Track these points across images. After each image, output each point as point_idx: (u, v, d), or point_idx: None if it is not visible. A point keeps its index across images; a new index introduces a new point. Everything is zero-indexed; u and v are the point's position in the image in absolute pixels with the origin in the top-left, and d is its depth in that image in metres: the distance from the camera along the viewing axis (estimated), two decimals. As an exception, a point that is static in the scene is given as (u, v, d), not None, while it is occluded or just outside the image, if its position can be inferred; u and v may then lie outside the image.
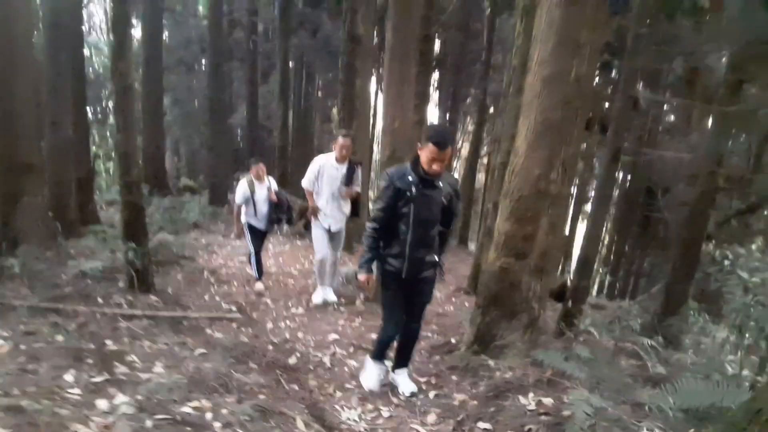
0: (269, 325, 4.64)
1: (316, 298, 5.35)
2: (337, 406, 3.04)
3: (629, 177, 15.63)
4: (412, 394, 3.14)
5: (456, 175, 19.29)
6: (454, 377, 3.30)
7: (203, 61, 19.21)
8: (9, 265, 4.62)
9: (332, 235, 5.24)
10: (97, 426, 2.04)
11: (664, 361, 4.28)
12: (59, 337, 3.11)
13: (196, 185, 17.50)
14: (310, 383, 3.43)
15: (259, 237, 5.80)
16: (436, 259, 3.00)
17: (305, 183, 5.13)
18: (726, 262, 3.72)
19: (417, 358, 3.76)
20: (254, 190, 5.58)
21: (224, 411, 2.37)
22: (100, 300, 3.92)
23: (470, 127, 21.53)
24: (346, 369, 3.74)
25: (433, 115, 21.44)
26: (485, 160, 17.84)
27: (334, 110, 24.38)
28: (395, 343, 3.29)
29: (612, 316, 7.34)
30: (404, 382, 3.22)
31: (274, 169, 18.96)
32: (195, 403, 2.38)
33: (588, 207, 16.66)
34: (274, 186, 5.84)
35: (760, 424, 1.88)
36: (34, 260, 4.85)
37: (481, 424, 2.63)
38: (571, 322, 4.11)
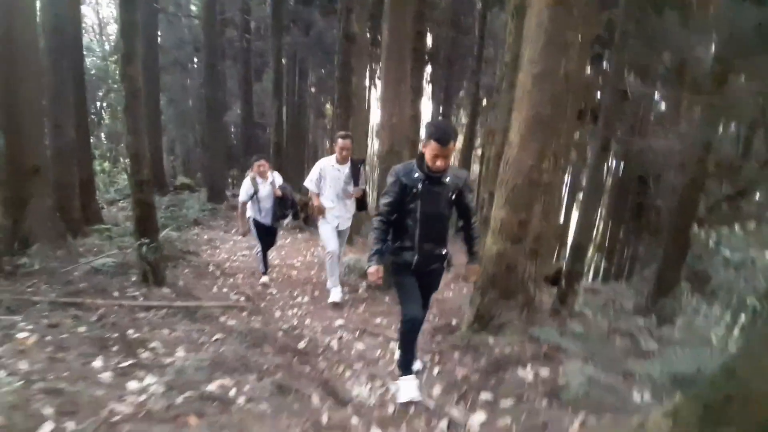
0: (277, 314, 4.83)
1: (335, 296, 5.19)
2: (347, 384, 3.24)
3: (622, 165, 15.88)
4: (417, 372, 3.25)
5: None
6: (456, 354, 3.50)
7: (195, 59, 19.33)
8: (23, 263, 4.80)
9: (338, 233, 5.26)
10: (131, 404, 2.23)
11: (657, 339, 4.51)
12: (82, 329, 3.28)
13: (193, 183, 17.62)
14: (320, 365, 3.63)
15: (264, 232, 5.85)
16: (444, 252, 3.03)
17: (309, 184, 5.16)
18: (711, 243, 3.93)
19: (420, 338, 3.95)
20: (257, 186, 5.64)
21: (246, 388, 2.57)
22: (115, 294, 4.10)
23: (464, 120, 21.75)
24: (353, 351, 3.93)
25: (426, 108, 21.65)
26: (479, 152, 18.03)
27: (328, 106, 24.56)
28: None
29: (606, 299, 7.59)
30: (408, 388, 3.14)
31: (269, 165, 19.20)
32: (219, 382, 2.58)
33: (582, 195, 16.86)
34: (279, 181, 5.86)
35: (735, 380, 2.09)
36: (46, 258, 5.02)
37: (483, 395, 2.84)
38: (565, 302, 4.31)
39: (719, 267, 3.74)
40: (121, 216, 9.17)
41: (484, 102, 17.22)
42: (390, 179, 2.89)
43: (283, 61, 17.13)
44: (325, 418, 2.58)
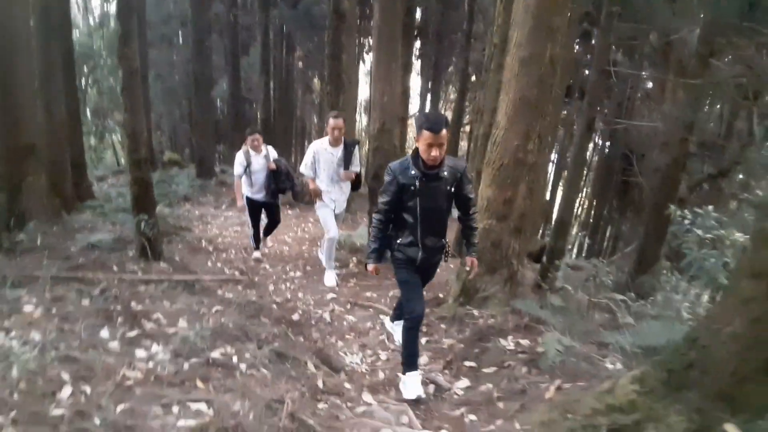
0: (271, 287, 5.00)
1: (329, 281, 5.21)
2: (340, 353, 3.44)
3: (608, 143, 16.12)
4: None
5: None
6: (443, 326, 3.71)
7: (179, 33, 19.07)
8: (20, 240, 4.90)
9: (335, 216, 5.23)
10: (141, 370, 2.39)
11: (634, 314, 4.75)
12: (85, 302, 3.41)
13: (180, 159, 17.57)
14: (313, 335, 3.82)
15: (257, 209, 5.86)
16: (444, 242, 3.01)
17: (304, 170, 5.10)
18: (686, 222, 4.14)
19: None
20: (250, 160, 5.61)
21: (247, 355, 2.75)
22: (115, 268, 4.22)
23: (452, 96, 21.78)
24: (345, 323, 4.13)
25: (415, 83, 21.62)
26: (468, 129, 18.12)
27: (316, 80, 24.40)
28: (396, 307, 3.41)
29: (587, 275, 7.84)
30: (400, 332, 3.24)
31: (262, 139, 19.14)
32: (221, 350, 2.75)
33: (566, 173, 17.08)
34: (273, 154, 5.80)
35: (697, 348, 2.30)
36: (43, 235, 5.12)
37: (467, 363, 3.05)
38: (546, 278, 4.52)
39: (692, 245, 3.94)
40: (114, 192, 9.20)
41: (473, 78, 17.24)
42: (387, 178, 2.85)
43: (271, 35, 16.99)
44: (320, 383, 2.77)
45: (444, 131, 2.66)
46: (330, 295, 4.80)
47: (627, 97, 13.80)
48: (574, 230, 19.42)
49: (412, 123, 21.34)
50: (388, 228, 2.98)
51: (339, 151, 5.00)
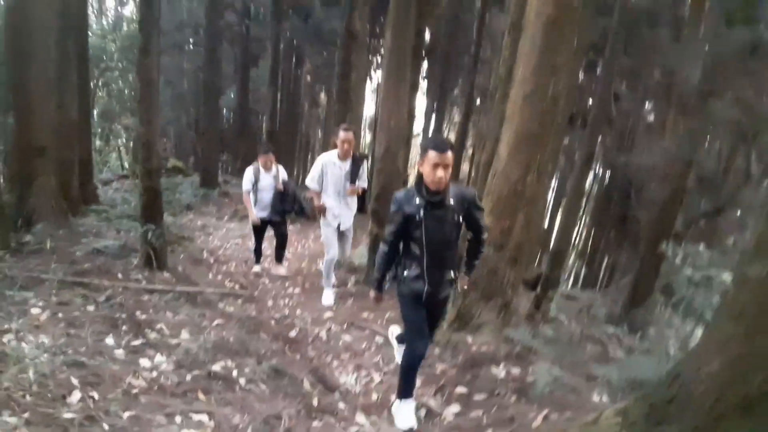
0: (270, 303, 5.09)
1: (327, 299, 5.22)
2: (335, 372, 3.53)
3: (608, 173, 16.29)
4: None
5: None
6: (436, 350, 3.78)
7: (191, 40, 19.37)
8: (27, 241, 5.00)
9: (341, 234, 5.19)
10: (146, 379, 2.49)
11: (625, 347, 4.84)
12: (91, 308, 3.51)
13: (184, 166, 17.71)
14: (309, 353, 3.91)
15: (262, 225, 5.92)
16: (453, 276, 2.91)
17: (310, 183, 5.06)
18: (677, 260, 4.26)
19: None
20: (259, 177, 5.70)
21: (246, 370, 2.84)
22: (119, 275, 4.31)
23: (456, 118, 22.04)
24: (341, 342, 4.21)
25: (421, 103, 21.85)
26: (470, 152, 18.29)
27: (322, 95, 24.69)
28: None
29: (582, 306, 7.94)
30: (401, 353, 3.11)
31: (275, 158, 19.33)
32: (222, 363, 2.85)
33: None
34: (283, 175, 5.86)
35: (678, 384, 2.40)
36: (49, 237, 5.22)
37: (459, 389, 3.13)
38: (539, 307, 4.62)
39: (683, 283, 4.06)
40: (119, 197, 9.31)
41: (478, 101, 17.48)
42: (392, 207, 2.79)
43: (281, 47, 17.26)
44: (315, 402, 2.86)
45: (449, 153, 2.61)
46: (327, 314, 4.88)
47: (629, 129, 14.00)
48: (571, 259, 19.54)
49: (414, 143, 21.60)
50: (393, 258, 2.92)
51: (347, 165, 4.96)
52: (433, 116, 18.93)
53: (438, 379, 3.32)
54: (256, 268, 6.20)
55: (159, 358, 2.74)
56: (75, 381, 2.23)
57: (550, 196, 16.04)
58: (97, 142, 18.22)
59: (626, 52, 11.86)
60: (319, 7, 15.06)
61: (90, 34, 19.13)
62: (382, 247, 2.90)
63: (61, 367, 2.34)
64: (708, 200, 11.06)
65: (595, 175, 18.92)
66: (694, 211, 11.66)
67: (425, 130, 19.75)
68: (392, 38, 5.24)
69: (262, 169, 5.74)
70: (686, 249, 4.40)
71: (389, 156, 5.48)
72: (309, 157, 25.98)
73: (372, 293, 3.07)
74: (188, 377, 2.57)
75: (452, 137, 21.19)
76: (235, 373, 2.76)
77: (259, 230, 6.04)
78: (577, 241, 20.92)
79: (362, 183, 5.11)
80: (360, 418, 2.86)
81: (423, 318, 2.90)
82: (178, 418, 2.14)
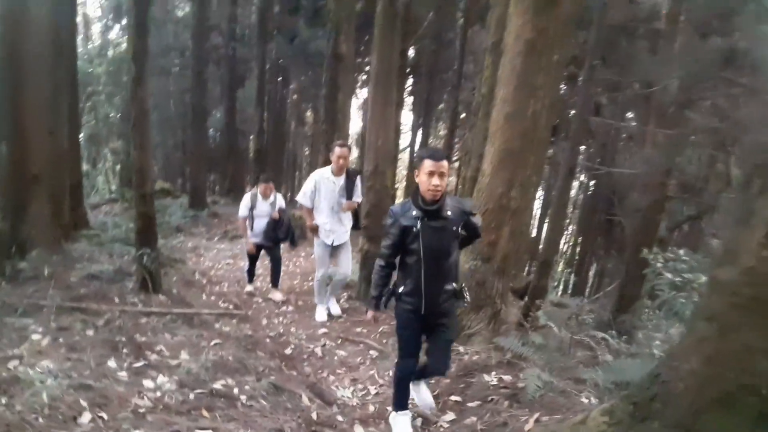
0: (264, 321, 5.18)
1: (319, 316, 5.29)
2: (332, 386, 3.62)
3: (592, 182, 16.61)
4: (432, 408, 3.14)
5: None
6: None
7: (176, 61, 19.54)
8: (22, 268, 5.05)
9: (337, 250, 5.14)
10: (151, 399, 2.57)
11: (614, 352, 4.98)
12: (90, 332, 3.57)
13: (172, 188, 17.74)
14: (306, 369, 4.00)
15: (256, 248, 5.99)
16: (455, 286, 2.85)
17: (302, 199, 5.04)
18: (659, 265, 4.42)
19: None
20: (256, 204, 5.79)
21: (246, 387, 2.93)
22: (116, 299, 4.38)
23: (442, 132, 22.37)
24: (335, 358, 4.31)
25: (407, 119, 22.17)
26: (456, 164, 18.52)
27: (308, 113, 24.93)
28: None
29: (571, 313, 8.08)
30: (422, 392, 3.17)
31: (250, 173, 19.48)
32: (222, 381, 2.94)
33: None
34: (281, 203, 5.92)
35: (659, 383, 2.54)
36: (44, 264, 5.27)
37: (453, 397, 3.25)
38: (528, 316, 4.75)
39: (664, 287, 4.22)
40: (109, 221, 9.33)
41: (463, 115, 17.78)
42: (388, 221, 2.79)
43: (267, 67, 17.48)
44: (314, 416, 2.95)
45: (444, 161, 2.64)
46: (321, 330, 4.97)
47: (610, 139, 14.31)
48: (560, 267, 19.78)
49: (402, 158, 21.80)
50: (390, 274, 2.89)
51: (341, 180, 4.96)
52: (420, 131, 19.21)
53: (432, 388, 3.42)
54: (249, 288, 6.28)
55: (161, 378, 2.82)
56: (84, 402, 2.31)
57: (538, 206, 16.29)
58: (85, 166, 18.21)
59: (605, 64, 12.23)
60: (304, 28, 15.30)
61: (79, 61, 19.28)
62: (379, 263, 2.88)
63: (68, 390, 2.42)
64: (690, 206, 11.35)
65: (580, 184, 19.25)
66: (677, 217, 11.96)
67: (411, 144, 20.02)
68: (378, 63, 5.43)
69: (260, 196, 5.81)
70: (666, 254, 4.57)
71: (378, 174, 5.63)
72: (297, 174, 26.14)
73: (369, 313, 3.01)
74: (191, 396, 2.65)
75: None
76: (236, 390, 2.85)
77: (252, 254, 6.11)
78: (565, 250, 21.19)
79: (357, 198, 5.12)
80: (358, 429, 2.95)
81: (416, 337, 2.91)
82: (184, 435, 2.23)
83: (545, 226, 16.88)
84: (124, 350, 3.24)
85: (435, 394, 3.37)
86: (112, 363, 3.00)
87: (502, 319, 4.15)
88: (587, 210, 16.87)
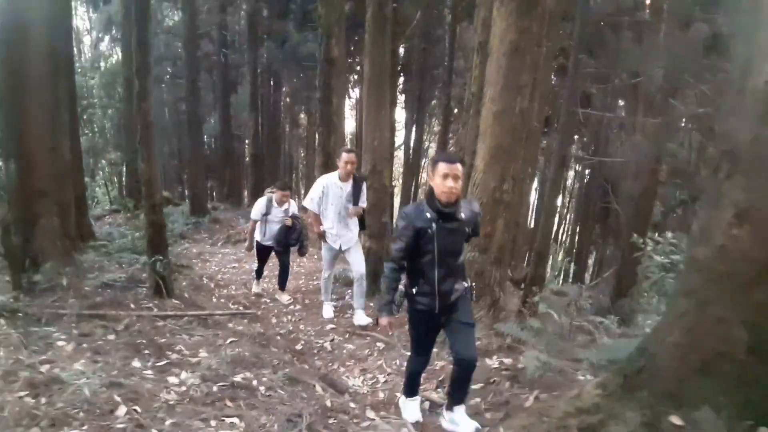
0: (273, 320, 5.38)
1: (326, 313, 5.46)
2: (343, 377, 3.83)
3: (587, 171, 16.84)
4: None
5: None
6: (435, 349, 4.09)
7: (169, 70, 19.70)
8: (38, 280, 5.24)
9: (347, 252, 5.15)
10: (177, 393, 2.77)
11: (613, 335, 5.20)
12: (111, 336, 3.77)
13: (172, 196, 17.91)
14: (316, 363, 4.21)
15: (266, 251, 6.16)
16: (465, 285, 2.91)
17: (309, 204, 5.09)
18: (649, 248, 4.64)
19: (405, 338, 4.22)
20: (271, 210, 5.90)
21: (264, 379, 3.14)
22: (132, 306, 4.58)
23: (436, 128, 22.59)
24: (344, 351, 4.51)
25: (400, 116, 22.38)
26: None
27: (302, 115, 25.12)
28: (448, 380, 3.10)
29: (570, 300, 8.30)
30: (464, 421, 2.91)
31: (247, 178, 19.66)
32: (242, 375, 3.14)
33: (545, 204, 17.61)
34: (294, 209, 6.03)
35: (646, 356, 2.76)
36: (58, 275, 5.46)
37: (457, 381, 3.44)
38: (526, 303, 4.96)
39: (653, 269, 4.44)
40: (115, 232, 9.51)
41: (456, 110, 17.98)
42: (401, 223, 2.78)
43: (258, 72, 17.65)
44: (328, 403, 3.15)
45: (459, 164, 2.68)
46: (329, 326, 5.17)
47: (602, 129, 14.53)
48: (560, 256, 20.01)
49: (397, 155, 21.98)
50: (400, 277, 2.87)
51: (348, 186, 5.01)
52: (414, 128, 19.40)
53: (438, 374, 3.64)
54: (256, 289, 6.47)
55: (185, 374, 3.02)
56: (117, 398, 2.50)
57: (535, 197, 16.52)
58: (85, 179, 18.37)
59: (593, 56, 12.45)
60: (293, 32, 15.48)
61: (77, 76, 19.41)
62: (390, 266, 2.85)
63: (101, 388, 2.61)
64: (683, 191, 11.58)
65: (576, 174, 19.49)
66: (670, 202, 12.20)
67: (406, 142, 20.21)
68: (370, 67, 5.63)
69: (275, 203, 5.94)
70: (655, 238, 4.78)
71: (376, 174, 5.83)
72: (294, 176, 26.33)
73: (384, 320, 2.91)
74: (214, 388, 2.85)
75: (433, 147, 21.70)
76: (255, 382, 3.05)
77: (262, 256, 6.28)
78: (564, 239, 21.44)
79: (363, 203, 5.19)
80: (370, 414, 3.15)
81: (430, 334, 3.00)
82: (213, 422, 2.43)
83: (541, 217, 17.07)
84: (146, 351, 3.44)
85: (440, 378, 3.58)
86: (136, 363, 3.20)
87: (501, 306, 4.37)
88: (584, 199, 17.10)
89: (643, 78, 9.74)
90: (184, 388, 2.82)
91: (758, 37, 2.57)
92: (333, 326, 5.16)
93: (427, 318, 2.88)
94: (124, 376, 2.87)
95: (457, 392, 2.93)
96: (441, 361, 3.84)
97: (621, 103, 14.89)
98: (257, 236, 6.11)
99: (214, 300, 5.92)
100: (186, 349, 3.54)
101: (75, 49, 21.08)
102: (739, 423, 2.37)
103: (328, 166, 7.38)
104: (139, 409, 2.44)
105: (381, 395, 3.56)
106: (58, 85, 7.33)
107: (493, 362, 3.56)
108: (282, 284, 6.31)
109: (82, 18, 22.22)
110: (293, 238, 5.98)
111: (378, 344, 4.58)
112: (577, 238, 18.00)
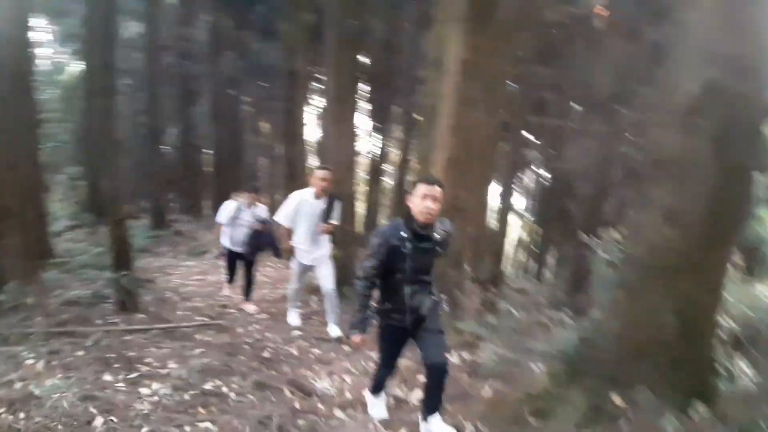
0: (240, 330, 5.42)
1: (292, 320, 5.55)
2: (311, 380, 3.98)
3: (547, 174, 17.42)
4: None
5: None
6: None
7: (126, 82, 19.33)
8: (3, 300, 5.19)
9: (316, 268, 5.16)
10: (150, 403, 2.88)
11: (568, 327, 5.50)
12: (80, 352, 3.82)
13: (132, 210, 17.53)
14: (284, 368, 4.33)
15: (235, 257, 6.15)
16: (434, 299, 2.95)
17: (281, 219, 5.04)
18: (593, 246, 4.94)
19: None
20: (239, 214, 5.87)
21: (234, 386, 3.28)
22: (99, 321, 4.62)
23: (399, 135, 22.84)
24: (311, 356, 4.64)
25: (365, 123, 22.54)
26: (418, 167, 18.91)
27: (264, 124, 25.02)
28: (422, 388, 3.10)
29: (530, 296, 8.65)
30: (441, 428, 2.89)
31: (209, 189, 19.45)
32: (212, 383, 3.28)
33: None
34: (262, 214, 5.99)
35: (589, 344, 3.04)
36: (22, 294, 5.42)
37: (419, 377, 3.66)
38: (487, 302, 5.22)
39: (599, 265, 4.75)
40: (75, 248, 9.35)
41: (417, 117, 18.25)
42: (376, 240, 2.84)
43: (220, 83, 17.56)
44: (298, 405, 3.31)
45: (437, 187, 2.77)
46: (295, 333, 5.29)
47: (558, 134, 15.06)
48: (523, 256, 20.57)
49: (359, 161, 22.09)
50: (371, 294, 2.94)
51: (321, 203, 5.00)
52: (377, 135, 19.63)
53: (402, 372, 3.83)
54: (226, 291, 6.53)
55: (156, 385, 3.13)
56: (93, 410, 2.60)
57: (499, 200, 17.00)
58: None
59: (546, 64, 12.95)
60: (254, 43, 15.51)
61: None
62: (362, 284, 2.90)
63: (76, 402, 2.70)
64: (633, 191, 12.13)
65: (538, 177, 20.07)
66: (623, 201, 12.78)
67: (369, 149, 20.42)
68: (332, 80, 5.81)
69: (243, 206, 5.93)
70: (601, 236, 5.11)
71: (340, 184, 6.00)
72: (257, 185, 26.04)
73: (356, 337, 2.97)
74: (186, 397, 2.97)
75: (397, 153, 21.97)
76: (225, 389, 3.18)
77: (231, 262, 6.31)
78: (525, 239, 21.98)
79: (334, 221, 5.16)
80: (338, 413, 3.32)
81: (399, 346, 3.07)
82: (187, 428, 2.56)
83: (508, 218, 17.55)
84: (116, 365, 3.52)
85: (404, 377, 3.77)
86: (108, 376, 3.29)
87: (460, 305, 4.60)
88: (544, 201, 17.64)
89: (593, 85, 10.24)
90: (156, 398, 2.93)
91: (682, 56, 2.91)
92: (299, 333, 5.29)
93: (399, 333, 2.96)
94: (97, 389, 2.96)
95: (431, 400, 2.94)
96: (403, 361, 4.03)
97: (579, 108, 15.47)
98: (225, 242, 6.10)
99: (179, 313, 5.92)
100: (155, 361, 3.63)
101: (33, 62, 20.57)
102: (673, 399, 2.67)
103: (293, 177, 7.52)
104: (115, 419, 2.55)
105: (348, 395, 3.71)
106: (19, 104, 7.26)
107: (453, 357, 3.77)
108: (247, 294, 6.36)
109: (40, 30, 21.62)
110: (264, 242, 5.92)
111: (344, 347, 4.74)
112: (538, 237, 18.54)
